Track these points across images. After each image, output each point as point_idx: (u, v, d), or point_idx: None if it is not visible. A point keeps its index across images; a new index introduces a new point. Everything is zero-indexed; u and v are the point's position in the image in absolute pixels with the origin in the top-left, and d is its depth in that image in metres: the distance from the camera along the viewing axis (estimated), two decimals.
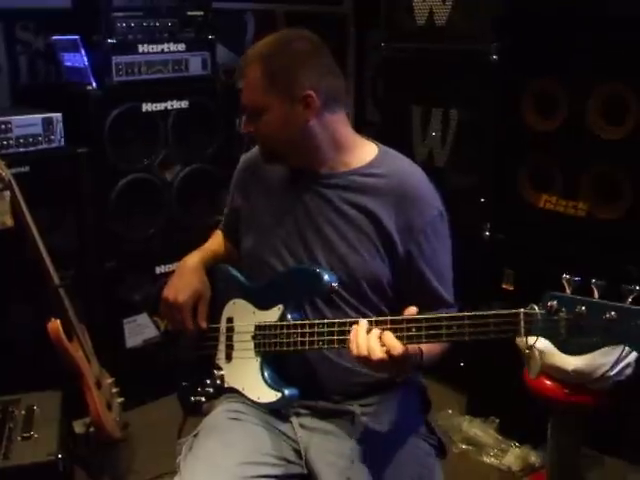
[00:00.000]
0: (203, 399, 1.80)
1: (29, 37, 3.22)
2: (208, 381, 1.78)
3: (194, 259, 1.87)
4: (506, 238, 2.85)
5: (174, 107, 3.06)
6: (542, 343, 1.31)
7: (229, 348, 1.77)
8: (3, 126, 2.62)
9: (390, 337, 1.41)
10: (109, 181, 2.95)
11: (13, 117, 2.66)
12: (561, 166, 2.63)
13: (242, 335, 1.73)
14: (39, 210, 2.56)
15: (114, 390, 2.72)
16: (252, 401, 1.70)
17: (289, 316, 1.65)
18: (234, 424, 1.69)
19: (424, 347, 1.48)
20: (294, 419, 1.72)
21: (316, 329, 1.57)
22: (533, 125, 2.68)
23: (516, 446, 2.80)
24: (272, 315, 1.68)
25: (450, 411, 3.02)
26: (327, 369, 1.69)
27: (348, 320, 1.53)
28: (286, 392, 1.65)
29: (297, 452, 1.67)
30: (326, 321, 1.57)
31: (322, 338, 1.56)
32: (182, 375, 1.87)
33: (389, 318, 1.46)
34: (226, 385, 1.76)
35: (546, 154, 2.68)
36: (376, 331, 1.43)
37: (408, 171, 1.70)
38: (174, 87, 3.05)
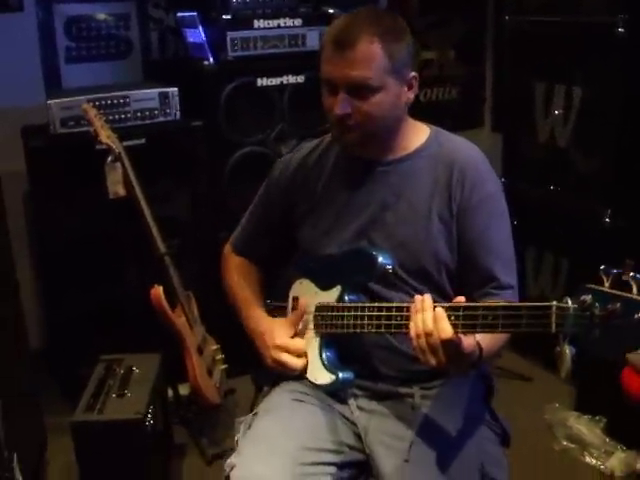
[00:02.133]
0: (271, 376, 1.80)
1: (161, 14, 3.36)
2: None
3: (256, 317, 1.83)
4: (628, 226, 2.66)
5: (290, 82, 3.07)
6: None
7: None
8: (122, 100, 2.76)
9: (441, 314, 1.34)
10: (223, 154, 3.03)
11: (131, 91, 2.80)
12: None
13: (305, 315, 1.72)
14: (154, 180, 2.70)
15: (218, 357, 2.79)
16: (310, 382, 1.69)
17: (346, 297, 1.64)
18: (296, 406, 1.68)
19: (484, 343, 1.41)
20: (352, 401, 1.70)
21: (367, 312, 1.55)
22: None
23: (622, 450, 2.60)
24: (331, 296, 1.67)
25: (557, 405, 2.87)
26: (386, 353, 1.65)
27: (398, 305, 1.48)
28: (340, 375, 1.63)
29: (357, 435, 1.66)
30: (377, 305, 1.54)
31: (373, 322, 1.54)
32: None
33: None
34: None
35: None
36: (429, 303, 1.37)
37: (462, 149, 1.68)
38: (290, 62, 3.06)
